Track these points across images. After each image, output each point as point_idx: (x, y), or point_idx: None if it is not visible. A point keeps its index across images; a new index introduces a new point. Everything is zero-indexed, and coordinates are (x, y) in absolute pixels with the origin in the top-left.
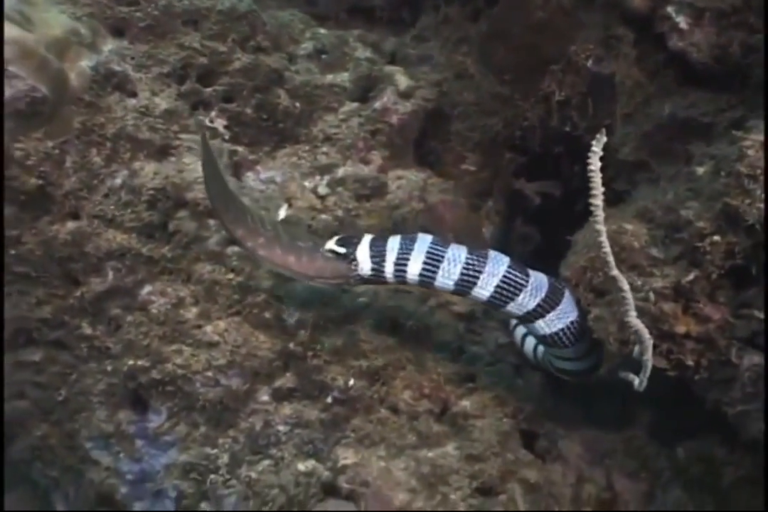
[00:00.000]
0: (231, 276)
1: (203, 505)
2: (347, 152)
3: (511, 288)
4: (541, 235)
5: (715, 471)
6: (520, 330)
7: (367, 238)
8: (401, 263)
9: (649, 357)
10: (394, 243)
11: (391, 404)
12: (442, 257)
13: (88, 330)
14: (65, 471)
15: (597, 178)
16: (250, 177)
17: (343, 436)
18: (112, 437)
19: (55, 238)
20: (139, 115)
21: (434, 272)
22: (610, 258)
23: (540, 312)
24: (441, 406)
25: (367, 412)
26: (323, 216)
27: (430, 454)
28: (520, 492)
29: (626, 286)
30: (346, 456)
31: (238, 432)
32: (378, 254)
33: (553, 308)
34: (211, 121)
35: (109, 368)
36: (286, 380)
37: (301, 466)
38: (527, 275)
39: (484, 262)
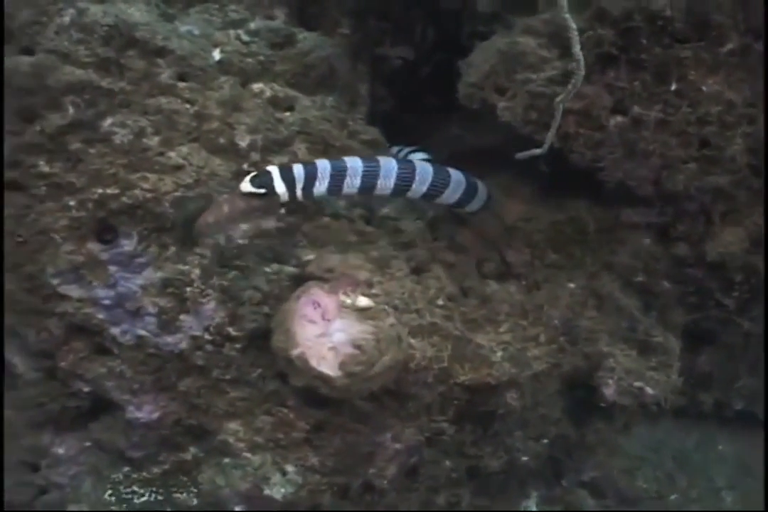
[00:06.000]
0: (187, 106)
1: (182, 317)
2: (254, 9)
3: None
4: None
5: (582, 228)
6: None
7: (275, 171)
8: (309, 184)
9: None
10: (298, 170)
11: (332, 211)
12: (345, 172)
13: (45, 167)
14: (24, 314)
15: None
16: None
17: (298, 241)
18: (83, 268)
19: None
20: None
21: (340, 186)
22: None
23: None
24: (369, 213)
25: (313, 220)
26: (249, 60)
27: (371, 247)
28: (442, 270)
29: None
30: (307, 253)
31: (205, 248)
32: (290, 184)
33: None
34: None
35: (71, 202)
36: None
37: (267, 269)
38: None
39: (377, 168)
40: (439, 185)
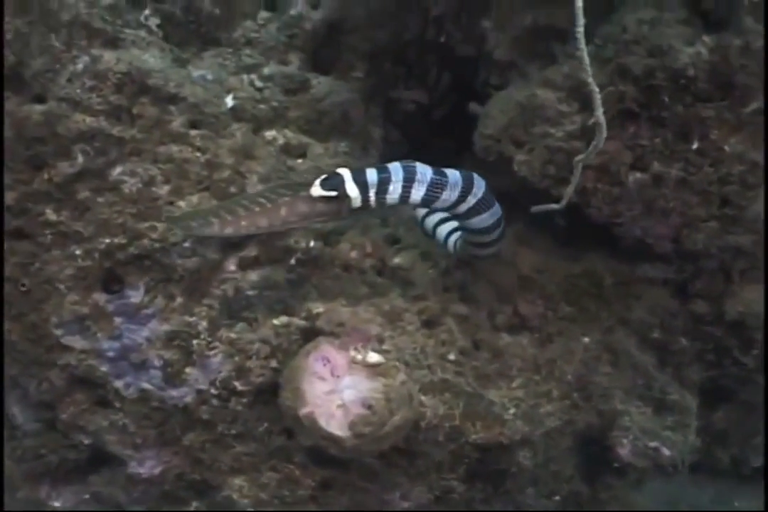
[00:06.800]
0: (198, 154)
1: (188, 370)
2: (268, 53)
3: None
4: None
5: (598, 282)
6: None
7: (347, 174)
8: (383, 189)
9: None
10: (371, 173)
11: (342, 262)
12: (414, 178)
13: (52, 216)
14: (26, 365)
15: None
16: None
17: (307, 293)
18: (88, 319)
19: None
20: (87, 4)
21: (408, 194)
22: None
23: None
24: (381, 263)
25: (324, 271)
26: (262, 106)
27: (382, 300)
28: (454, 323)
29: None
30: (317, 306)
31: (212, 299)
32: (363, 187)
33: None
34: (146, 19)
35: (77, 252)
36: (251, 249)
37: (276, 322)
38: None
39: (446, 177)
40: (484, 205)
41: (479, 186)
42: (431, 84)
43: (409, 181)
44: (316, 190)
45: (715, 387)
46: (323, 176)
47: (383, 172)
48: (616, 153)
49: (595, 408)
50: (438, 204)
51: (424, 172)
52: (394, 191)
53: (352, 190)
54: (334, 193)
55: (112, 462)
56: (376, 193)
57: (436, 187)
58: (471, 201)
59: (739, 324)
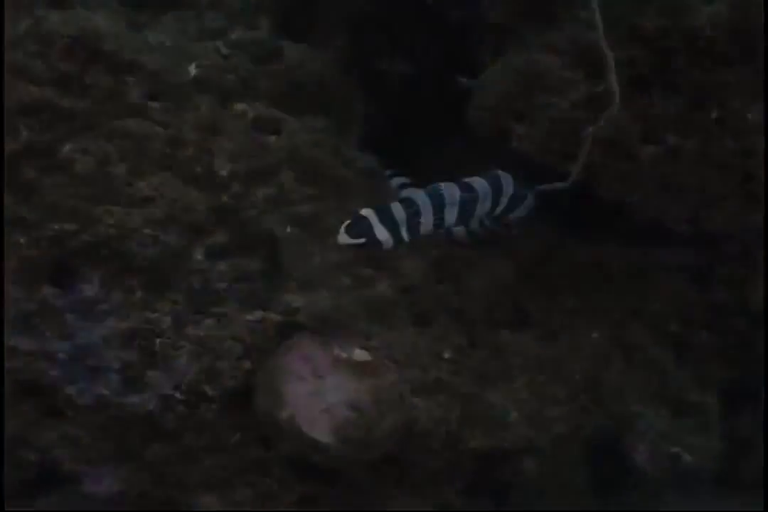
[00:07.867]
0: (159, 129)
1: (150, 373)
2: (235, 17)
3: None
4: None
5: (607, 270)
6: None
7: (373, 216)
8: (414, 224)
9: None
10: (398, 210)
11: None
12: (443, 203)
13: None
14: None
15: None
16: None
17: (285, 284)
18: (35, 316)
19: None
20: None
21: (443, 219)
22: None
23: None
24: None
25: (303, 260)
26: (229, 76)
27: (369, 292)
28: (448, 318)
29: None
30: (296, 300)
31: (177, 293)
32: (393, 227)
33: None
34: None
35: (22, 240)
36: (219, 235)
37: (249, 317)
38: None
39: (475, 191)
40: (517, 200)
41: (507, 183)
42: (418, 53)
43: (439, 207)
44: (344, 239)
45: (740, 387)
46: (347, 222)
47: (410, 205)
48: (627, 124)
49: (606, 411)
50: (474, 218)
51: (452, 192)
52: (427, 223)
53: (381, 233)
54: (362, 241)
55: (65, 482)
56: (408, 229)
57: (468, 205)
58: (504, 201)
59: (763, 314)
